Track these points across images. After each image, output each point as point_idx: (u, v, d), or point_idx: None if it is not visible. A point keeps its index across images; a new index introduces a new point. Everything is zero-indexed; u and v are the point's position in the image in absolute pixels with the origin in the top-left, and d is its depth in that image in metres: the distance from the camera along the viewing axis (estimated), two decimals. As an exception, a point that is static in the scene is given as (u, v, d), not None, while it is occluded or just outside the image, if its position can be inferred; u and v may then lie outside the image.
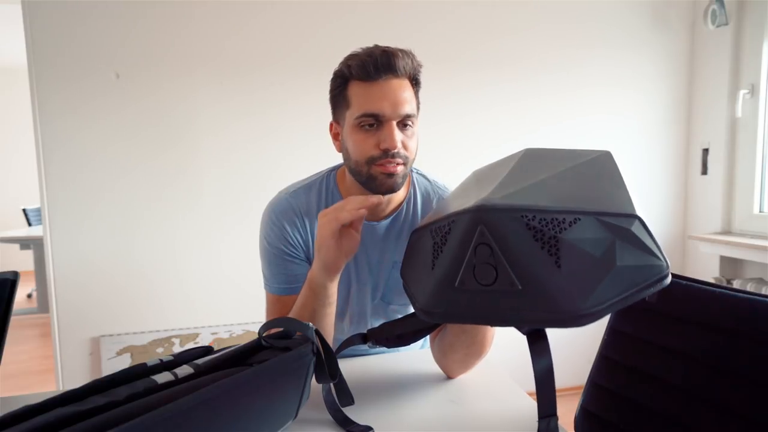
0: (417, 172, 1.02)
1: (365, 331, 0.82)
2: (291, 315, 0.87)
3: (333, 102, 0.92)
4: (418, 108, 0.91)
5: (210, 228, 1.99)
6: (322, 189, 0.97)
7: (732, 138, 2.20)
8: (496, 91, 2.20)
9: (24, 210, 4.44)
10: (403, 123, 0.85)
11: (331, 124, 0.94)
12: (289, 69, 2.00)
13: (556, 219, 0.52)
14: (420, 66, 0.89)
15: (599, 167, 0.62)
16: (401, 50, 0.86)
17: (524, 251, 0.52)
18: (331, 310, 0.86)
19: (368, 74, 0.84)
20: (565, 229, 0.52)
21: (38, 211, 4.25)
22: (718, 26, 2.15)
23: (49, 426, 0.46)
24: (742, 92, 2.13)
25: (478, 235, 0.54)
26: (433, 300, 0.59)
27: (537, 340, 0.59)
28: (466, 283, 0.55)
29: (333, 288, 0.84)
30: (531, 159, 0.66)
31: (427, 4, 2.09)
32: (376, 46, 0.87)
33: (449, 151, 2.14)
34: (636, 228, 0.53)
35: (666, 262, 0.53)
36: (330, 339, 0.88)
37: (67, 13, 1.80)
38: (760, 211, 2.14)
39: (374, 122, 0.84)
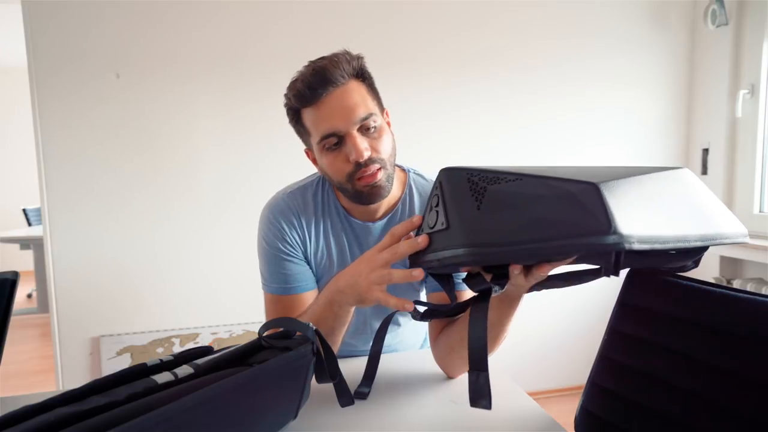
0: (414, 172, 1.02)
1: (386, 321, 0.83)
2: None
3: (297, 133, 0.92)
4: (378, 100, 0.89)
5: (210, 227, 1.99)
6: (318, 190, 0.97)
7: (732, 138, 2.20)
8: (493, 88, 2.20)
9: (24, 210, 4.44)
10: (365, 127, 0.84)
11: (306, 152, 0.95)
12: (284, 68, 1.99)
13: (496, 177, 0.59)
14: (360, 59, 0.86)
15: (640, 168, 0.62)
16: (332, 58, 0.84)
17: (458, 197, 0.61)
18: (346, 326, 0.86)
19: (308, 99, 0.83)
20: (498, 183, 0.58)
21: (38, 211, 4.24)
22: (718, 26, 2.15)
23: (49, 426, 0.46)
24: (742, 92, 2.13)
25: (434, 188, 0.65)
26: None
27: (480, 300, 0.65)
28: (423, 228, 0.68)
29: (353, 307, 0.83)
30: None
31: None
32: (308, 66, 0.85)
33: (438, 145, 2.15)
34: (584, 192, 0.52)
35: (611, 223, 0.50)
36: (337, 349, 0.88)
37: (67, 13, 1.80)
38: (760, 211, 2.14)
39: (336, 140, 0.83)
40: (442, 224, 0.62)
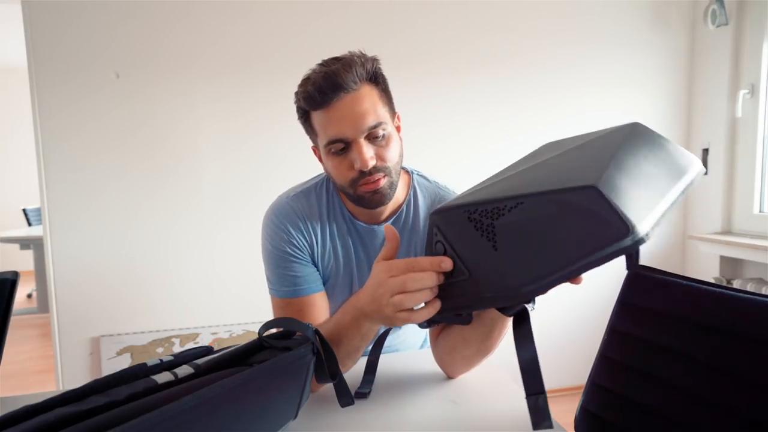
0: (418, 174, 1.02)
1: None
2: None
3: (305, 131, 0.92)
4: (390, 105, 0.88)
5: (210, 228, 1.99)
6: (323, 193, 0.97)
7: (732, 138, 2.20)
8: (492, 90, 2.20)
9: (24, 210, 4.44)
10: (373, 135, 0.83)
11: (313, 149, 0.95)
12: (289, 68, 1.99)
13: (497, 208, 0.56)
14: (375, 61, 0.84)
15: (603, 141, 0.61)
16: (345, 60, 0.82)
17: (468, 241, 0.58)
18: (369, 340, 0.80)
19: (318, 103, 0.81)
20: (503, 215, 0.56)
21: (38, 211, 4.24)
22: (718, 26, 2.15)
23: (49, 426, 0.46)
24: (742, 92, 2.13)
25: (434, 235, 0.62)
26: None
27: (520, 323, 0.64)
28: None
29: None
30: (545, 149, 0.70)
31: (423, 0, 2.09)
32: (321, 67, 0.83)
33: (443, 150, 2.15)
34: (589, 198, 0.51)
35: (627, 225, 0.49)
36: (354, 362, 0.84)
37: (67, 13, 1.80)
38: (760, 211, 2.14)
39: (343, 145, 0.83)
40: (462, 273, 0.59)
